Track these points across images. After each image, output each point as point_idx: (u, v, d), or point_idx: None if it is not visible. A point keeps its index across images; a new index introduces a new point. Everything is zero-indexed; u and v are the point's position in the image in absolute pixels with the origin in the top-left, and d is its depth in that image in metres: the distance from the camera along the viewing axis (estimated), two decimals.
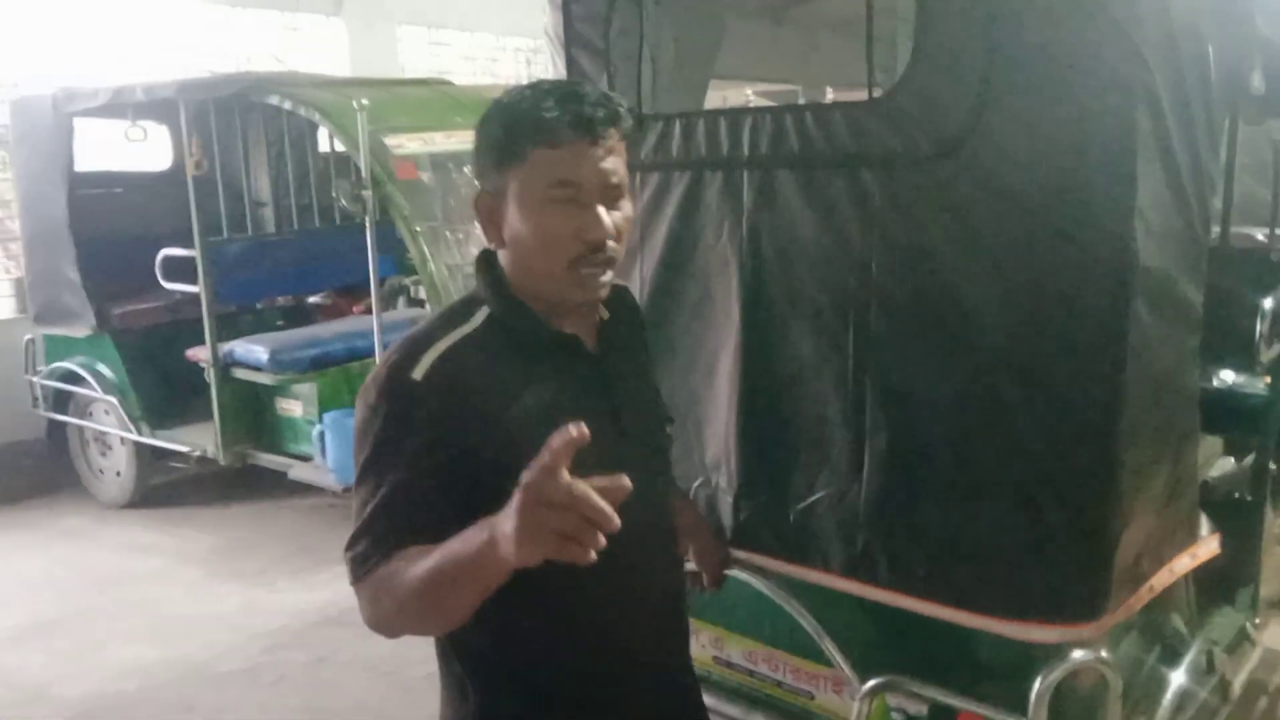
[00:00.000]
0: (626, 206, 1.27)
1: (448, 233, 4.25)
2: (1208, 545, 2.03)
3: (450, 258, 4.22)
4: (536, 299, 1.28)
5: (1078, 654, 1.64)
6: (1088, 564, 1.67)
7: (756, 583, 1.93)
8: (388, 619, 1.20)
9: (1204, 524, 2.07)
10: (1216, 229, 3.17)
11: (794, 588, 1.91)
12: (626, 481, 0.98)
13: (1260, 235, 3.19)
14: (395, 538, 1.17)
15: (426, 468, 1.20)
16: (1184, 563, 1.96)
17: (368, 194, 4.09)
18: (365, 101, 4.02)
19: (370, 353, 4.35)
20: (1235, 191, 4.70)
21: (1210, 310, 2.76)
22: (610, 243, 1.23)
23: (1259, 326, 2.53)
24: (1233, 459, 2.74)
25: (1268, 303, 2.54)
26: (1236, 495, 2.74)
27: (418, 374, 1.21)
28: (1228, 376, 2.90)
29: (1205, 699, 2.28)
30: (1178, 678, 1.94)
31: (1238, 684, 2.56)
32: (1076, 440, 1.65)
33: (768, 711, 2.01)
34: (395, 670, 3.53)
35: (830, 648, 1.84)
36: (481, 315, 1.29)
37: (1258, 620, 2.83)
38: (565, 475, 0.95)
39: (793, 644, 1.95)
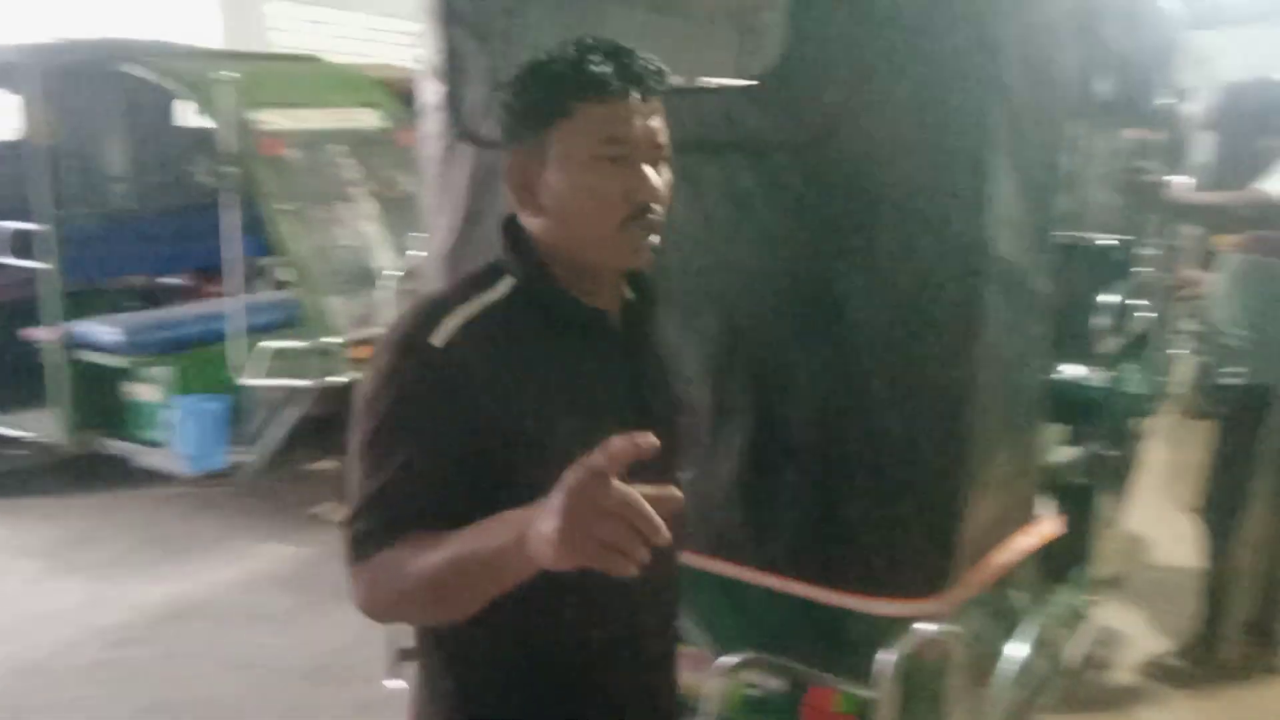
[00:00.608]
0: (668, 171, 1.22)
1: (316, 212, 4.12)
2: (1050, 525, 2.15)
3: (318, 239, 4.10)
4: (569, 269, 1.21)
5: (924, 627, 1.71)
6: (936, 541, 1.75)
7: None
8: (385, 605, 1.12)
9: (1046, 505, 2.18)
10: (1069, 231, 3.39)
11: None
12: (678, 494, 0.93)
13: (1109, 240, 3.40)
14: (404, 518, 1.09)
15: (442, 443, 1.11)
16: (1026, 541, 2.07)
17: (230, 170, 3.94)
18: (229, 74, 3.86)
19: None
20: (1089, 199, 4.94)
21: (1056, 305, 2.92)
22: (656, 205, 1.19)
23: (1096, 320, 2.69)
24: (1072, 446, 2.90)
25: (1104, 298, 2.70)
26: (1074, 480, 2.91)
27: (438, 340, 1.13)
28: (1071, 368, 3.07)
29: (1041, 671, 2.41)
30: (1016, 651, 2.04)
31: (1071, 658, 2.72)
32: (929, 421, 1.72)
33: None
34: (248, 664, 3.41)
35: (689, 626, 1.86)
36: (506, 284, 1.21)
37: (1091, 598, 3.01)
38: (617, 481, 0.89)
39: None
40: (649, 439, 0.90)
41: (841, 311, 1.71)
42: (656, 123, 1.18)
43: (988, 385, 1.78)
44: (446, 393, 1.12)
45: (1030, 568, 2.38)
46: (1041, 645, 2.33)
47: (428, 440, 1.11)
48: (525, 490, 0.98)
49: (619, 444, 0.89)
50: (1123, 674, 3.42)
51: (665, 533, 0.89)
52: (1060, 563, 3.01)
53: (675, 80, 1.27)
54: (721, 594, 1.89)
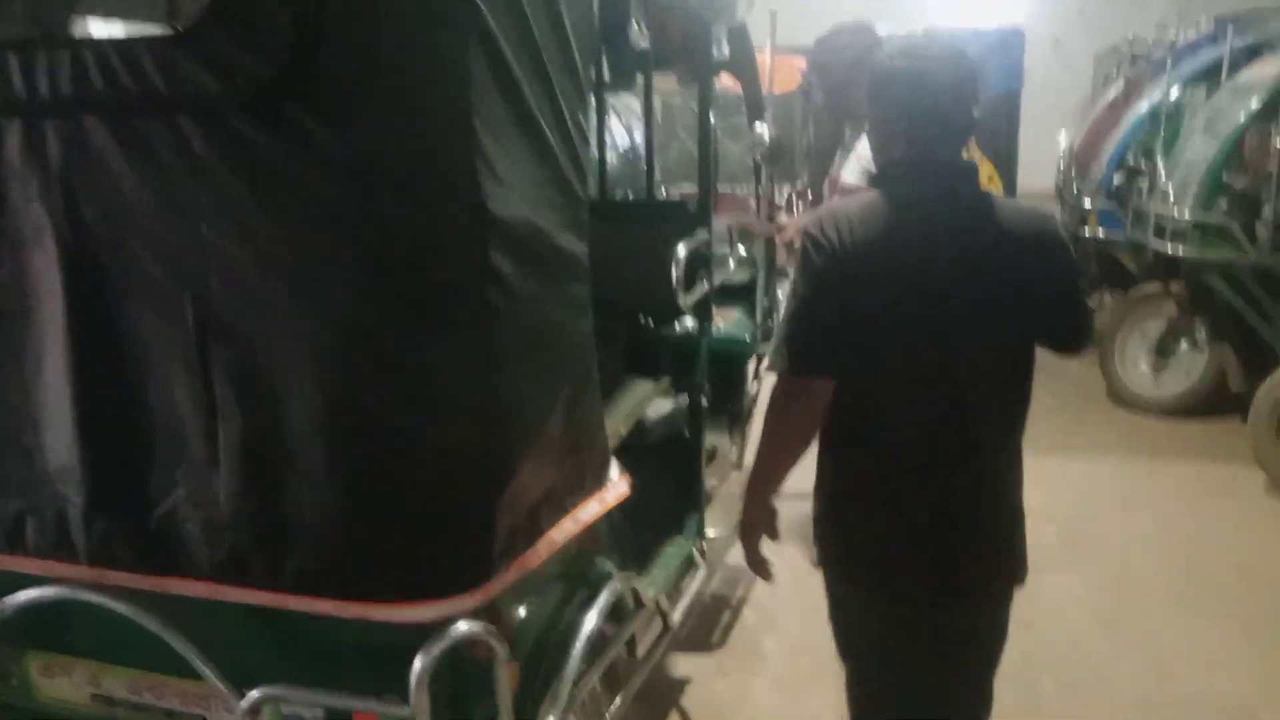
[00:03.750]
0: None
1: None
2: (618, 489, 2.08)
3: None
4: None
5: (461, 627, 1.57)
6: (467, 532, 1.60)
7: (120, 606, 1.65)
8: None
9: (614, 468, 2.11)
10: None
11: (167, 604, 1.65)
12: None
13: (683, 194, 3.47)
14: None
15: None
16: (592, 509, 1.99)
17: None
18: None
19: None
20: (675, 151, 4.97)
21: (636, 260, 2.89)
22: None
23: (675, 273, 2.68)
24: (671, 399, 2.91)
25: (681, 250, 2.69)
26: (675, 432, 2.92)
27: None
28: (659, 323, 3.08)
29: (638, 634, 2.38)
30: (588, 623, 1.96)
31: (681, 609, 2.73)
32: (449, 404, 1.57)
33: None
34: None
35: (202, 664, 1.61)
36: None
37: (705, 545, 3.06)
38: None
39: (179, 667, 1.69)
40: None
41: (331, 288, 1.50)
42: None
43: (514, 356, 1.65)
44: None
45: (622, 529, 2.33)
46: (634, 608, 2.30)
47: None
48: None
49: None
50: (750, 610, 3.55)
51: None
52: (674, 515, 3.04)
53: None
54: (240, 624, 1.65)
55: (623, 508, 2.12)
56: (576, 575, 2.09)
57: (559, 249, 1.78)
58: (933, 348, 1.80)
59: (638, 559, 2.68)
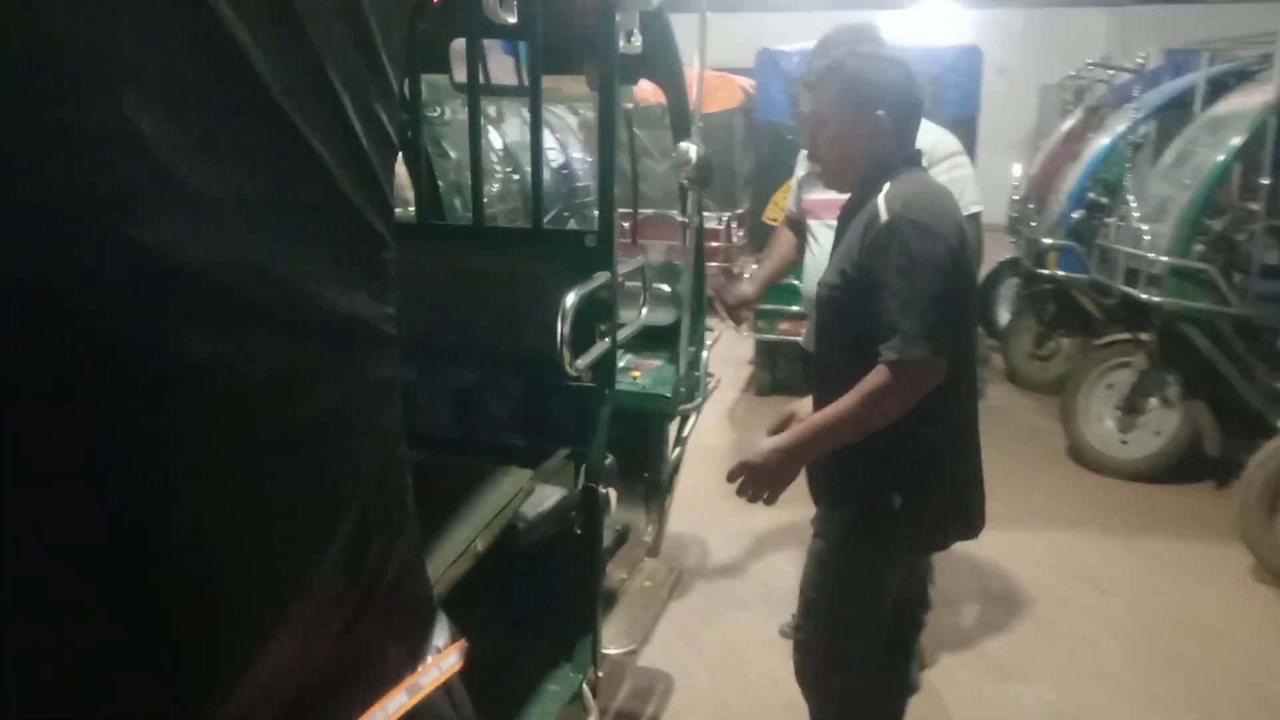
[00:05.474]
0: None
1: None
2: (444, 664, 1.41)
3: None
4: None
5: None
6: None
7: None
8: None
9: (443, 631, 1.44)
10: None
11: None
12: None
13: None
14: None
15: None
16: (397, 703, 1.32)
17: None
18: None
19: None
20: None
21: (521, 303, 2.22)
22: None
23: (560, 327, 2.02)
24: (560, 487, 2.24)
25: (569, 299, 2.04)
26: (566, 528, 2.25)
27: None
28: (547, 380, 2.41)
29: None
30: None
31: None
32: (110, 592, 0.89)
33: None
34: None
35: None
36: None
37: (600, 673, 2.39)
38: None
39: None
40: None
41: None
42: None
43: (248, 494, 0.99)
44: None
45: (462, 698, 1.66)
46: None
47: None
48: None
49: None
50: None
51: None
52: (563, 641, 2.36)
53: None
54: None
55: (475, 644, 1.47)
56: None
57: (337, 312, 1.12)
58: (974, 318, 2.18)
59: (500, 711, 2.02)
